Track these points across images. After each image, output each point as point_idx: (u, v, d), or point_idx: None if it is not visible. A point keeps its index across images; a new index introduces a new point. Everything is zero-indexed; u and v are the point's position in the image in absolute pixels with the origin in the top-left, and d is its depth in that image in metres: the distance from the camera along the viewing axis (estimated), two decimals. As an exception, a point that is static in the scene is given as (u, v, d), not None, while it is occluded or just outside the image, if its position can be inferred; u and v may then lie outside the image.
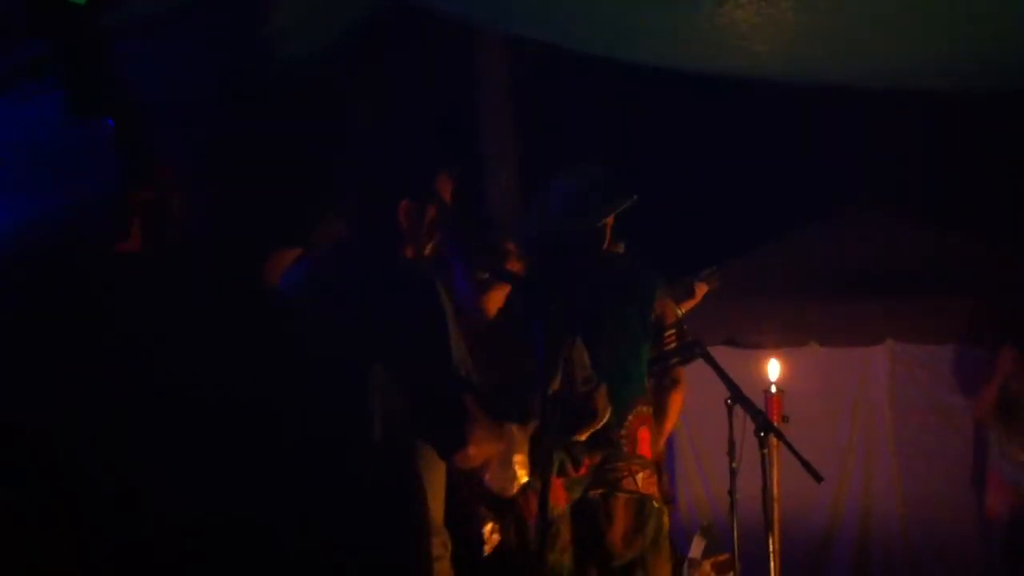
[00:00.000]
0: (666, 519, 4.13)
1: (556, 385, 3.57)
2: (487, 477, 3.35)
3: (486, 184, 6.58)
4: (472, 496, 3.37)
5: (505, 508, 3.46)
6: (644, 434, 4.04)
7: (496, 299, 3.58)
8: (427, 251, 2.99)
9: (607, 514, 3.94)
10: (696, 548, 5.63)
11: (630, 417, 4.00)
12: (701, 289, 5.26)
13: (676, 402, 4.26)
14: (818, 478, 3.89)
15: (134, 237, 2.02)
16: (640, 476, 3.99)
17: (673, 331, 4.16)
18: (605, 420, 3.64)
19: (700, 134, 7.90)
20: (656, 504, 4.05)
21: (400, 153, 3.11)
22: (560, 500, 3.68)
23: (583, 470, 3.74)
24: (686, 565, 5.59)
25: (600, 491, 3.93)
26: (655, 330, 4.12)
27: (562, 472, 3.65)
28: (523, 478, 3.44)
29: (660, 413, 4.19)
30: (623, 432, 3.98)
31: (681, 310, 5.25)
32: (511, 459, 3.43)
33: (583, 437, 3.64)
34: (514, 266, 3.61)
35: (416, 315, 2.74)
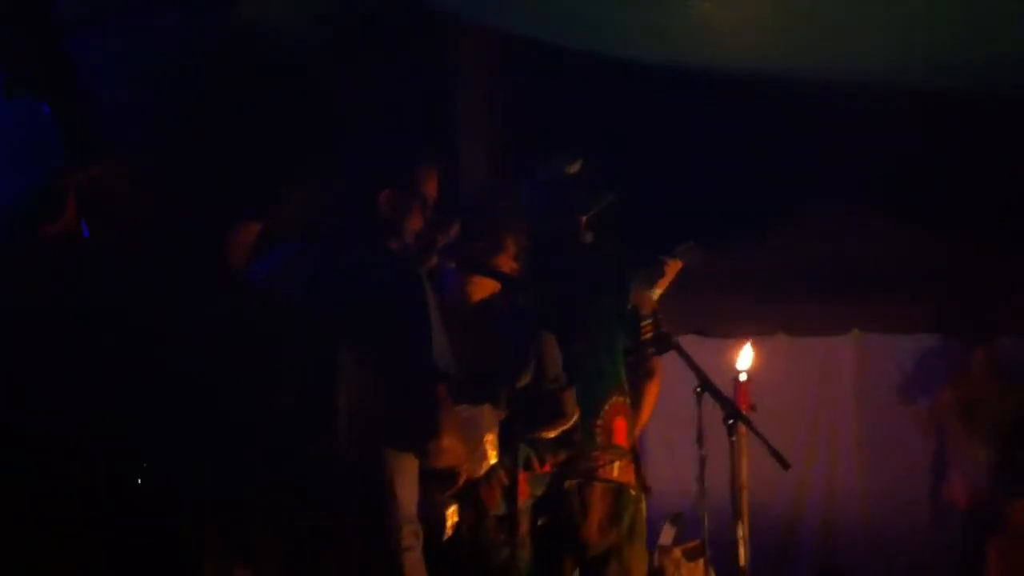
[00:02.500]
0: (643, 507, 4.15)
1: (526, 379, 3.61)
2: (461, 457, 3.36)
3: (462, 177, 6.57)
4: (433, 480, 3.39)
5: (465, 494, 3.48)
6: (620, 424, 4.04)
7: (481, 286, 3.60)
8: (409, 240, 3.01)
9: (583, 504, 3.94)
10: (666, 535, 5.67)
11: (606, 407, 4.00)
12: (672, 267, 5.27)
13: (651, 392, 4.28)
14: (785, 465, 3.94)
15: (68, 220, 2.00)
16: (617, 465, 4.00)
17: (649, 322, 4.18)
18: (572, 422, 3.67)
19: (673, 129, 7.93)
20: (633, 493, 4.05)
21: (378, 142, 3.13)
22: (523, 494, 3.68)
23: (547, 467, 3.74)
24: (656, 552, 5.64)
25: (575, 481, 3.93)
26: (631, 321, 4.14)
27: (527, 466, 3.66)
28: (492, 459, 3.46)
29: (636, 403, 4.20)
30: (599, 422, 3.99)
31: (656, 294, 5.28)
32: (482, 439, 3.46)
33: (550, 435, 3.66)
34: (506, 263, 3.63)
35: (399, 306, 2.76)
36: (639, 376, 4.21)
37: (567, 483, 3.93)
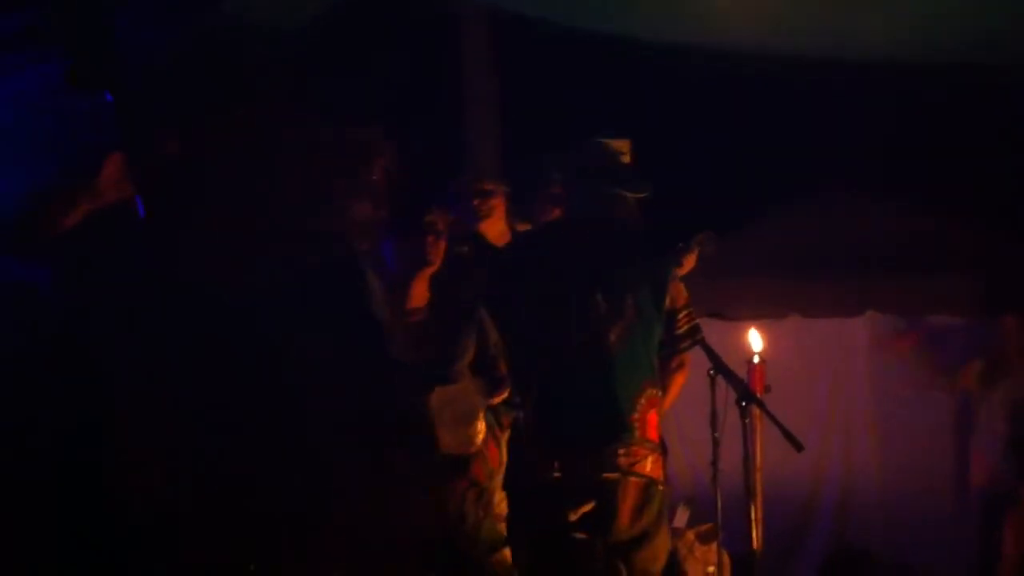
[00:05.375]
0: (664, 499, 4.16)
1: (470, 355, 3.65)
2: (449, 442, 3.42)
3: (467, 161, 6.56)
4: (445, 473, 3.43)
5: (461, 471, 3.53)
6: (653, 417, 4.02)
7: (423, 282, 3.64)
8: (353, 219, 2.99)
9: (622, 496, 3.93)
10: (680, 518, 5.69)
11: (642, 400, 3.97)
12: (689, 259, 5.28)
13: (678, 384, 4.25)
14: (799, 447, 3.93)
15: (121, 195, 2.00)
16: (650, 459, 3.99)
17: (685, 314, 4.15)
18: (509, 388, 3.76)
19: (682, 110, 7.89)
20: (660, 487, 4.05)
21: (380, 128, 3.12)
22: (494, 461, 3.73)
23: (506, 431, 3.81)
24: (670, 534, 5.66)
25: (616, 475, 3.91)
26: (668, 314, 4.11)
27: (493, 436, 3.72)
28: (482, 434, 3.51)
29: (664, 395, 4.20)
30: (635, 416, 3.95)
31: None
32: (476, 416, 3.50)
33: (496, 402, 3.74)
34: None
35: (342, 300, 2.75)
36: (670, 369, 4.18)
37: (607, 475, 3.92)
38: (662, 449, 4.11)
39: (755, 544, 4.23)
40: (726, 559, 5.06)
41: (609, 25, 5.25)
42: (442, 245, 3.59)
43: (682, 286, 4.20)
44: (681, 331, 4.11)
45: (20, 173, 2.08)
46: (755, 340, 5.24)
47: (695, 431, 6.44)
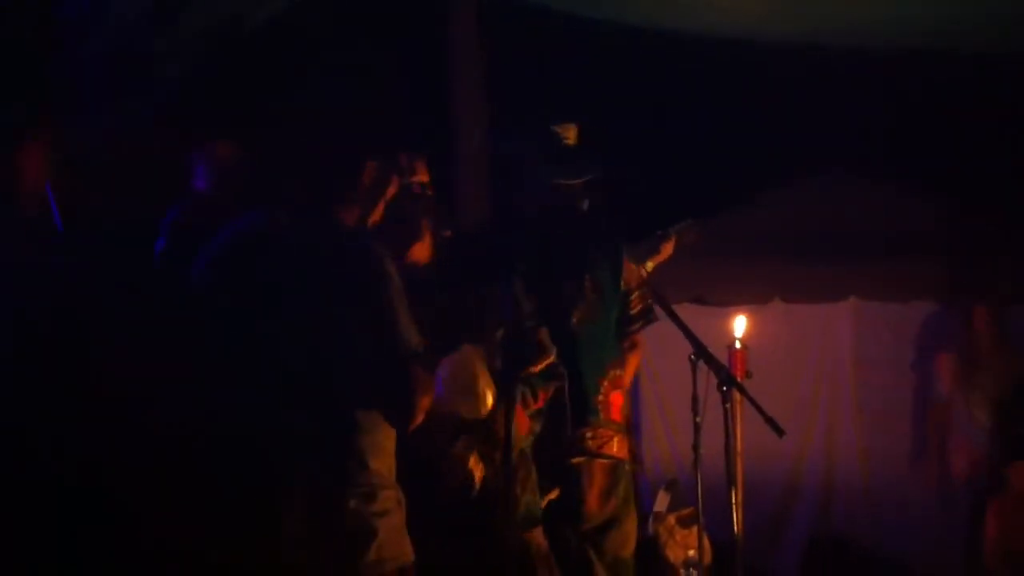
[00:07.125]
0: (632, 478, 4.18)
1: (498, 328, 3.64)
2: (460, 409, 3.40)
3: (456, 146, 6.54)
4: (448, 435, 3.41)
5: (482, 436, 3.50)
6: (617, 398, 4.07)
7: (420, 250, 3.60)
8: (372, 219, 2.99)
9: (588, 479, 3.96)
10: (661, 502, 5.71)
11: (605, 383, 4.01)
12: (668, 247, 5.28)
13: (633, 365, 4.30)
14: (779, 432, 3.93)
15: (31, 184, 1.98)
16: (616, 440, 4.03)
17: (637, 295, 4.18)
18: (553, 355, 3.70)
19: (668, 94, 7.89)
20: (628, 467, 4.09)
21: (367, 112, 3.11)
22: (523, 428, 3.71)
23: (540, 402, 3.77)
24: (651, 519, 5.68)
25: (582, 459, 3.94)
26: (623, 295, 4.14)
27: (524, 404, 3.68)
28: (491, 399, 3.49)
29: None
30: (599, 398, 4.00)
31: (648, 268, 5.29)
32: (475, 380, 3.48)
33: (536, 370, 3.69)
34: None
35: (362, 285, 2.75)
36: (623, 349, 4.22)
37: (574, 460, 3.94)
38: (627, 429, 4.13)
39: (736, 529, 4.25)
40: (707, 543, 5.08)
41: (599, 11, 5.23)
42: (423, 223, 3.56)
43: (634, 267, 4.22)
44: (635, 312, 4.13)
45: None
46: (739, 326, 5.25)
47: (677, 416, 6.48)
